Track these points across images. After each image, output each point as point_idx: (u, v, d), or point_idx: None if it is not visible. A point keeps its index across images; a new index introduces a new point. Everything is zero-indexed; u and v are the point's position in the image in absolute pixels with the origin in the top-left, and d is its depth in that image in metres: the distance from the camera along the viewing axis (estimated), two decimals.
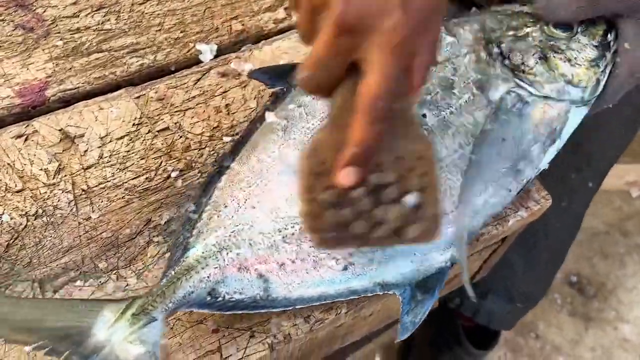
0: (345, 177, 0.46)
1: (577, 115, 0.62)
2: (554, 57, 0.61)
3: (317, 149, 0.48)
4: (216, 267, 0.54)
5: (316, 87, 0.47)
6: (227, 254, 0.55)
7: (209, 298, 0.54)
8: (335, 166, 0.46)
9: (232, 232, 0.55)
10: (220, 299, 0.54)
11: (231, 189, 0.57)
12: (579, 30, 0.63)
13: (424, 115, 0.60)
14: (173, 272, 0.54)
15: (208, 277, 0.54)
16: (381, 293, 0.57)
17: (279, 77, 0.63)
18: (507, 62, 0.62)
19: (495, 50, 0.63)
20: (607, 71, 0.62)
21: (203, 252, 0.55)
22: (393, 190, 0.48)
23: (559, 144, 0.62)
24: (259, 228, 0.55)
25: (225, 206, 0.56)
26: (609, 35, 0.62)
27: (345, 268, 0.56)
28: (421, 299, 0.56)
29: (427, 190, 0.49)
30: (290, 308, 0.56)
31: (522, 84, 0.61)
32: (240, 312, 0.55)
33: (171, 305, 0.52)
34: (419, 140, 0.49)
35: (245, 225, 0.55)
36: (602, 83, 0.62)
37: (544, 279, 1.11)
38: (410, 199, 0.48)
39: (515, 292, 1.08)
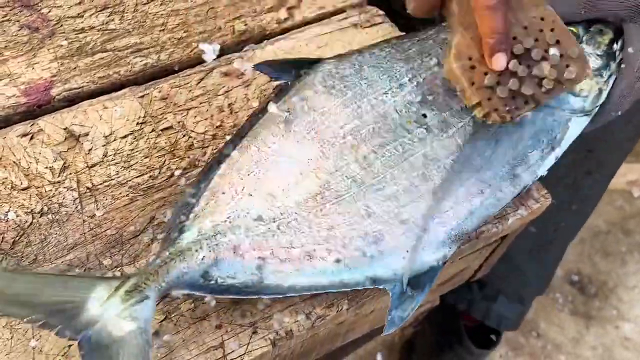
0: (497, 62, 0.55)
1: (578, 125, 0.63)
2: None
3: (459, 51, 0.57)
4: (210, 251, 0.55)
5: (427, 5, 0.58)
6: (222, 238, 0.55)
7: (202, 280, 0.55)
8: (484, 57, 0.55)
9: (227, 217, 0.56)
10: (213, 282, 0.55)
11: (230, 176, 0.58)
12: (584, 39, 0.63)
13: (425, 115, 0.60)
14: (167, 253, 0.54)
15: (202, 259, 0.55)
16: (372, 287, 0.58)
17: (284, 70, 0.64)
18: None
19: None
20: (611, 81, 0.62)
21: (198, 235, 0.55)
22: (537, 52, 0.57)
23: (559, 152, 0.62)
24: (255, 215, 0.56)
25: (223, 193, 0.57)
26: (614, 45, 0.62)
27: (337, 260, 0.56)
28: (411, 295, 0.57)
29: (562, 39, 0.58)
30: (282, 296, 0.56)
31: None
32: (232, 296, 0.56)
33: (164, 285, 0.53)
34: (534, 7, 0.58)
35: (241, 211, 0.56)
36: (605, 93, 0.62)
37: (549, 276, 1.12)
38: (553, 51, 0.57)
39: (526, 294, 1.08)
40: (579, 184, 0.91)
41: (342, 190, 0.57)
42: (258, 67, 0.66)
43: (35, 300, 0.51)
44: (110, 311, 0.51)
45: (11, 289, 0.51)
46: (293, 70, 0.63)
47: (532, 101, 0.57)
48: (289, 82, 0.63)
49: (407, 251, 0.57)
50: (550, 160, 0.63)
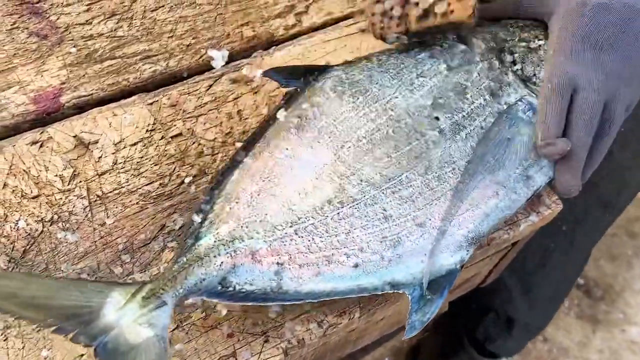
0: None
1: None
2: None
3: None
4: (228, 256, 0.55)
5: None
6: (239, 243, 0.55)
7: (219, 287, 0.55)
8: None
9: (244, 223, 0.56)
10: (230, 288, 0.55)
11: (244, 182, 0.58)
12: None
13: (437, 118, 0.60)
14: (185, 259, 0.54)
15: (220, 265, 0.54)
16: (391, 292, 0.57)
17: (293, 76, 0.64)
18: (519, 72, 0.63)
19: (508, 58, 0.63)
20: None
21: (215, 241, 0.55)
22: None
23: None
24: (272, 220, 0.56)
25: (238, 198, 0.57)
26: None
27: (356, 265, 0.56)
28: (430, 299, 0.56)
29: None
30: (300, 302, 0.56)
31: (532, 94, 0.61)
32: (250, 303, 0.55)
33: (182, 291, 0.53)
34: None
35: (257, 216, 0.56)
36: None
37: (544, 312, 1.11)
38: None
39: (516, 319, 1.08)
40: (570, 204, 0.89)
41: (358, 194, 0.57)
42: (267, 74, 0.66)
43: (51, 303, 0.50)
44: (128, 317, 0.50)
45: (26, 291, 0.50)
46: (302, 77, 0.63)
47: (402, 24, 0.64)
48: (298, 89, 0.63)
49: (425, 254, 0.57)
50: None
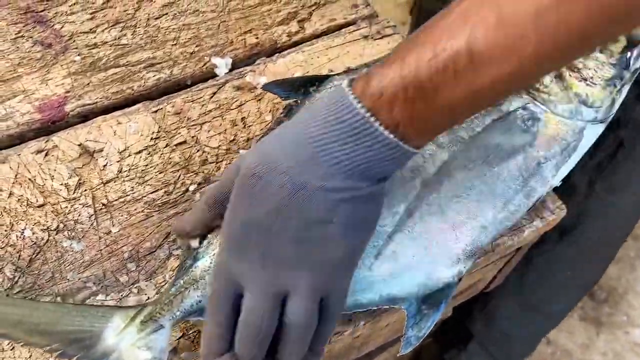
0: None
1: (593, 132, 0.62)
2: (570, 75, 0.61)
3: None
4: None
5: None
6: None
7: None
8: None
9: None
10: None
11: None
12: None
13: None
14: (182, 282, 0.55)
15: None
16: (387, 307, 0.57)
17: (292, 89, 0.64)
18: None
19: None
20: (624, 91, 0.61)
21: (211, 263, 0.55)
22: None
23: (575, 158, 0.62)
24: None
25: None
26: (628, 53, 0.62)
27: None
28: (427, 313, 0.56)
29: None
30: None
31: (535, 101, 0.61)
32: None
33: (179, 314, 0.53)
34: None
35: None
36: (618, 103, 0.62)
37: (511, 347, 1.10)
38: None
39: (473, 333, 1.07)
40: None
41: None
42: (266, 87, 0.66)
43: (55, 329, 0.51)
44: (126, 341, 0.51)
45: (31, 317, 0.51)
46: (302, 89, 0.63)
47: None
48: (299, 100, 0.63)
49: (421, 269, 0.57)
50: (565, 170, 0.62)
